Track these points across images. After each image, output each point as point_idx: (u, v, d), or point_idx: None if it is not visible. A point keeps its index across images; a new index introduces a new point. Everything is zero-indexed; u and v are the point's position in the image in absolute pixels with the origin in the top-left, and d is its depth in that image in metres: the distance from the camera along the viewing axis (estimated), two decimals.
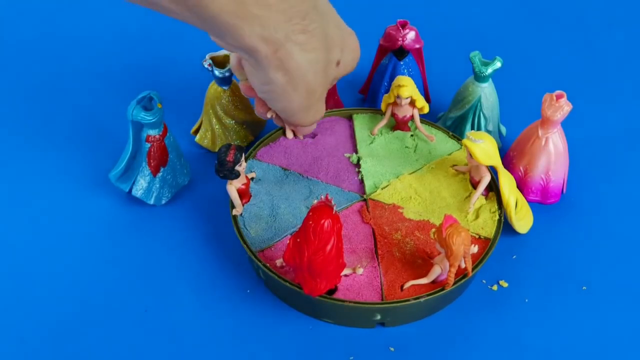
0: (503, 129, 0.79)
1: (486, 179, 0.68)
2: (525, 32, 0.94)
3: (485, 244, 0.65)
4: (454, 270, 0.60)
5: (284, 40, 0.55)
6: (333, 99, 0.79)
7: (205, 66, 0.72)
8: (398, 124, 0.74)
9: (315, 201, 0.58)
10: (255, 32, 0.53)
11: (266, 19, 0.53)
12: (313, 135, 0.75)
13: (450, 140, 0.74)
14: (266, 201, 0.68)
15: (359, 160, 0.73)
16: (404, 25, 0.76)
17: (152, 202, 0.71)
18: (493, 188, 0.69)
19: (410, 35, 0.76)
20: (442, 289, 0.61)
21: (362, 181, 0.71)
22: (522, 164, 0.72)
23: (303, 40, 0.56)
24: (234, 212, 0.67)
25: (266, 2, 0.52)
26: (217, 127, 0.76)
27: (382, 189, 0.70)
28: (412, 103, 0.72)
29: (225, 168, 0.64)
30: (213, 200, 0.73)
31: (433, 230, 0.65)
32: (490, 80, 0.74)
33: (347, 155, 0.73)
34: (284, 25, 0.54)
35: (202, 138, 0.77)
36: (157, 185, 0.71)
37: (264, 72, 0.58)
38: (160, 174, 0.71)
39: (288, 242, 0.59)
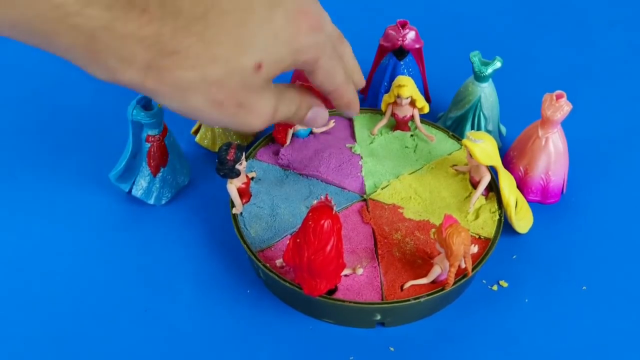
0: (503, 129, 0.79)
1: (486, 179, 0.68)
2: (525, 32, 0.94)
3: (485, 244, 0.65)
4: (454, 270, 0.60)
5: (146, 67, 0.48)
6: None
7: None
8: (398, 124, 0.74)
9: (315, 201, 0.58)
10: (111, 64, 0.47)
11: (119, 47, 0.46)
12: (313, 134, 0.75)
13: (450, 140, 0.74)
14: (266, 201, 0.68)
15: (359, 151, 0.73)
16: (404, 25, 0.76)
17: (152, 202, 0.71)
18: (493, 188, 0.69)
19: (410, 35, 0.76)
20: (442, 289, 0.61)
21: (363, 178, 0.71)
22: (522, 164, 0.72)
23: (170, 64, 0.48)
24: (234, 210, 0.67)
25: (117, 30, 0.45)
26: (217, 126, 0.76)
27: (382, 189, 0.70)
28: (412, 103, 0.72)
29: (225, 167, 0.64)
30: (213, 200, 0.73)
31: (433, 230, 0.65)
32: (490, 80, 0.74)
33: (348, 145, 0.73)
34: (141, 52, 0.47)
35: (202, 138, 0.77)
36: (157, 185, 0.71)
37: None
38: (160, 174, 0.71)
39: (288, 242, 0.59)
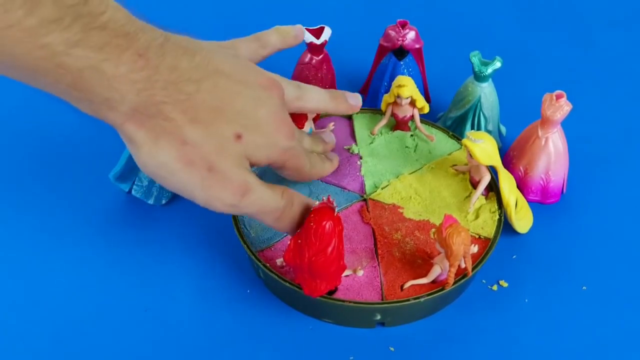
0: (503, 129, 0.79)
1: (486, 178, 0.68)
2: (525, 32, 0.94)
3: (485, 244, 0.65)
4: (453, 270, 0.60)
5: (132, 110, 0.49)
6: None
7: None
8: (398, 124, 0.74)
9: (317, 202, 0.58)
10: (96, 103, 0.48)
11: (106, 87, 0.47)
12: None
13: (450, 140, 0.74)
14: None
15: (359, 151, 0.73)
16: (404, 25, 0.76)
17: (152, 202, 0.71)
18: (493, 188, 0.69)
19: (410, 35, 0.76)
20: (442, 289, 0.61)
21: (363, 177, 0.71)
22: (522, 164, 0.72)
23: (154, 112, 0.49)
24: None
25: (106, 71, 0.46)
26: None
27: (382, 188, 0.70)
28: (412, 103, 0.72)
29: None
30: None
31: (433, 230, 0.65)
32: (490, 80, 0.74)
33: (346, 147, 0.73)
34: (132, 95, 0.48)
35: None
36: (157, 185, 0.71)
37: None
38: None
39: (289, 242, 0.59)
